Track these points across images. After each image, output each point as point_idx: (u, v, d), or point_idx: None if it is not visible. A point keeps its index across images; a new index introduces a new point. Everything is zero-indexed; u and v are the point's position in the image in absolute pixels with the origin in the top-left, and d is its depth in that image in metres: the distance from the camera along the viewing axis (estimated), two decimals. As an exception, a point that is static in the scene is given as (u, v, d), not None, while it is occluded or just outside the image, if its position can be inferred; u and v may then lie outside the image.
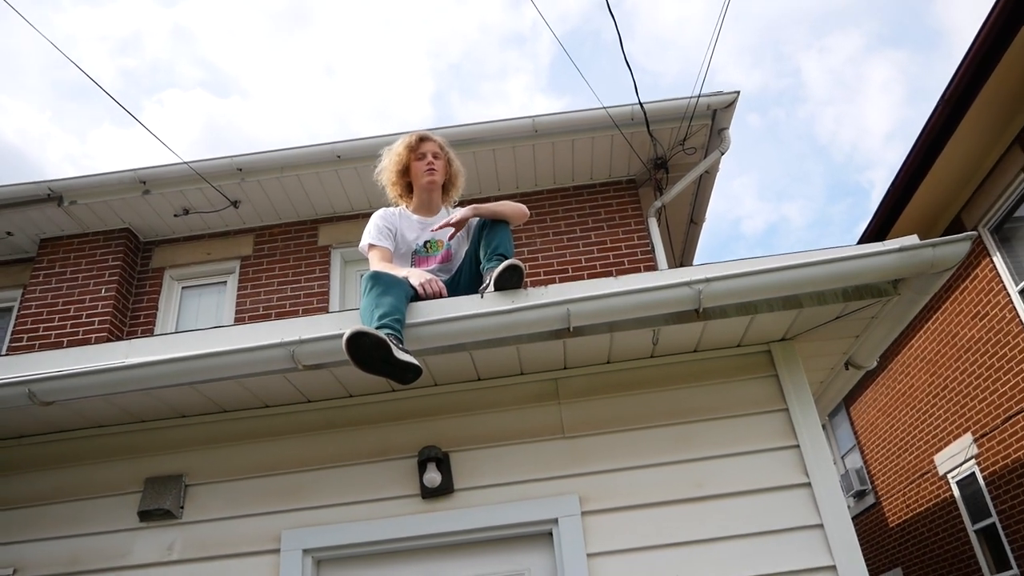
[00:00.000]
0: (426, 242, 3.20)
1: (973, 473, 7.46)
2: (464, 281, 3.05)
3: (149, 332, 6.06)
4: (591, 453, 2.84)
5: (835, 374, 3.45)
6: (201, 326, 6.19)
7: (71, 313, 5.91)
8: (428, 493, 2.80)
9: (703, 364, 3.00)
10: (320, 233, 6.53)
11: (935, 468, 8.25)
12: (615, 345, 2.88)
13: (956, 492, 7.90)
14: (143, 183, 6.02)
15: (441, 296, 2.77)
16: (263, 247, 6.47)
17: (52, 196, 5.97)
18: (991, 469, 7.13)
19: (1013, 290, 6.52)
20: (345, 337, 2.25)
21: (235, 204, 6.30)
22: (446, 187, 3.36)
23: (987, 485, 7.23)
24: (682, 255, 7.96)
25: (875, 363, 3.38)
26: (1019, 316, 6.45)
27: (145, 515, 2.88)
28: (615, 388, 2.97)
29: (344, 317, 2.75)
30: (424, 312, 2.64)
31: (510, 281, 2.66)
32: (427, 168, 3.23)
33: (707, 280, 2.56)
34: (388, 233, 3.15)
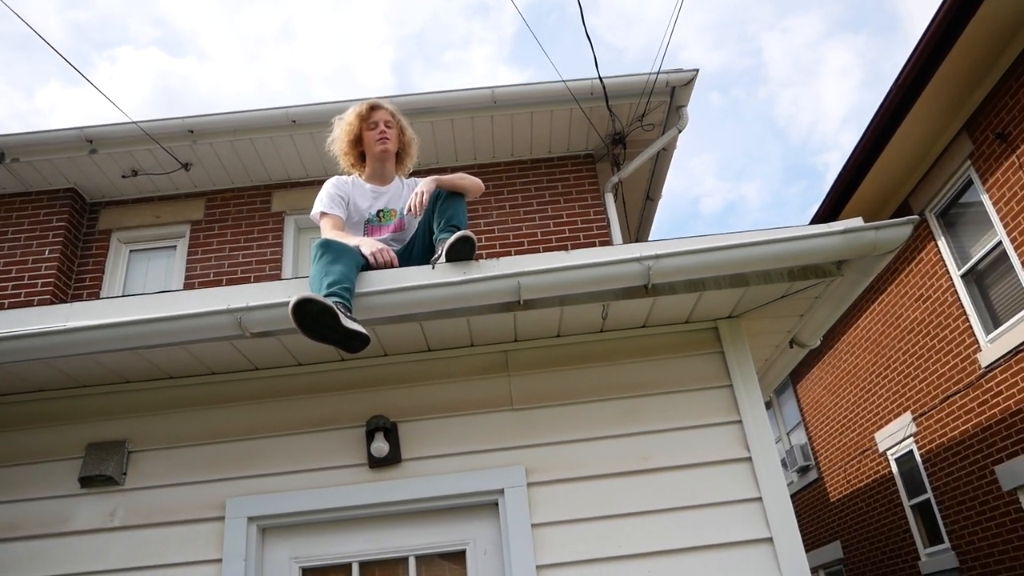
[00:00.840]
0: (379, 211, 3.17)
1: (911, 451, 7.75)
2: (417, 251, 3.04)
3: (95, 296, 5.90)
4: (539, 425, 2.88)
5: (780, 352, 3.54)
6: (149, 290, 6.05)
7: (12, 275, 5.73)
8: (376, 463, 2.80)
9: (651, 339, 3.04)
10: (274, 199, 6.41)
11: (876, 445, 8.55)
12: (565, 319, 2.90)
13: (894, 469, 8.21)
14: (90, 142, 5.83)
15: (392, 266, 2.75)
16: (215, 212, 6.33)
17: (-8, 153, 5.75)
18: (928, 447, 7.41)
19: (955, 274, 6.73)
20: (291, 304, 2.22)
21: (186, 167, 6.14)
22: (400, 156, 3.32)
23: (924, 462, 7.52)
24: (638, 232, 8.03)
25: (819, 342, 3.47)
26: (960, 299, 6.68)
27: (86, 481, 2.83)
28: (564, 361, 3.00)
29: (294, 284, 2.71)
30: (374, 281, 2.62)
31: (462, 252, 2.65)
32: (379, 137, 3.19)
33: (656, 256, 2.59)
34: (340, 201, 3.11)
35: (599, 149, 6.56)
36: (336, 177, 3.24)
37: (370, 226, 3.15)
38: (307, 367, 3.02)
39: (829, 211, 7.86)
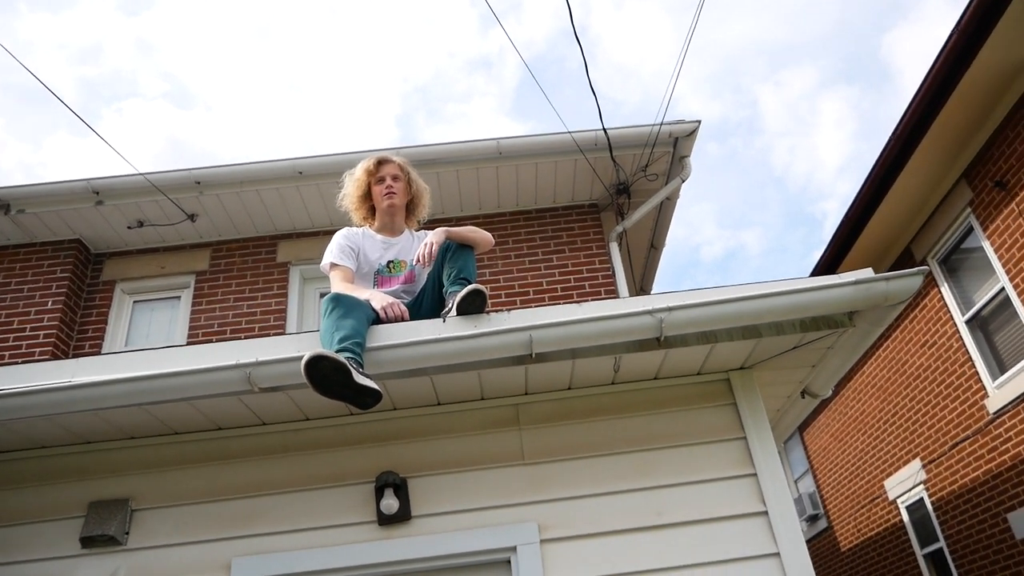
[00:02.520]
0: (389, 262, 3.18)
1: (922, 498, 7.63)
2: (427, 304, 3.03)
3: (98, 347, 5.87)
4: (551, 480, 2.83)
5: (791, 402, 3.50)
6: (153, 342, 6.03)
7: (15, 326, 5.70)
8: (385, 520, 2.74)
9: (663, 392, 3.02)
10: (279, 249, 6.42)
11: (885, 493, 8.42)
12: (576, 371, 2.88)
13: (905, 517, 8.07)
14: (96, 193, 5.86)
15: (403, 320, 2.74)
16: (220, 262, 6.34)
17: (-1, 204, 5.78)
18: (939, 495, 7.30)
19: (960, 320, 6.72)
20: (304, 360, 2.20)
21: (192, 218, 6.17)
22: (410, 207, 3.34)
23: (935, 510, 7.40)
24: (642, 280, 8.04)
25: (830, 392, 3.44)
26: (965, 345, 6.65)
27: (88, 541, 2.77)
28: (576, 415, 2.96)
29: (303, 339, 2.70)
30: (385, 336, 2.60)
31: (473, 305, 2.65)
32: (386, 191, 3.21)
33: (669, 309, 2.58)
34: (350, 252, 3.11)
35: (603, 199, 6.60)
36: (347, 228, 3.26)
37: (380, 277, 3.15)
38: (315, 422, 2.98)
39: (832, 259, 7.89)
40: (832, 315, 2.74)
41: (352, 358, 2.32)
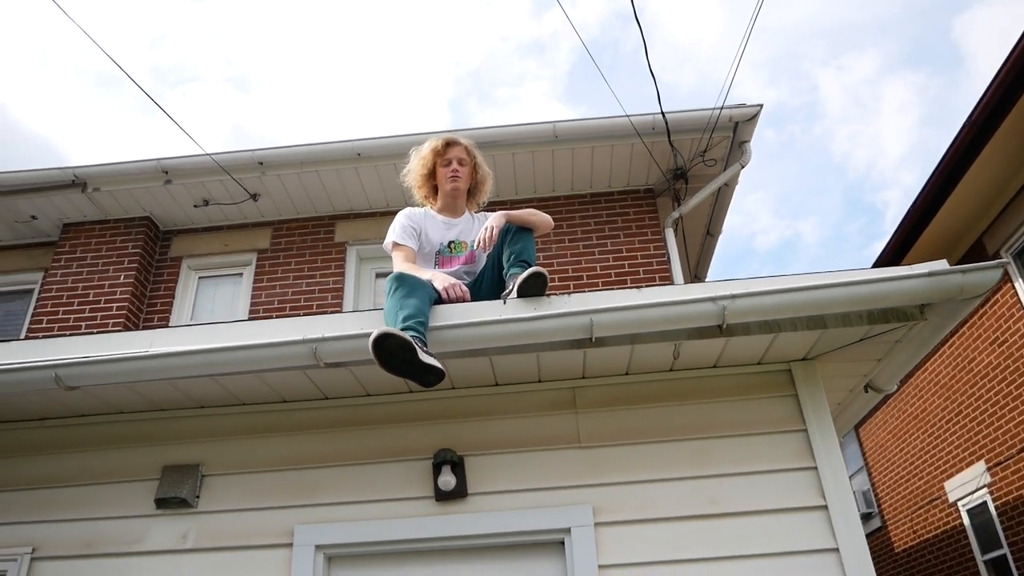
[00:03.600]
0: (450, 242, 3.21)
1: (985, 502, 7.39)
2: (486, 286, 3.06)
3: (165, 320, 6.09)
4: (606, 464, 2.84)
5: (854, 396, 3.43)
6: (217, 317, 6.23)
7: (90, 298, 5.96)
8: (442, 496, 2.80)
9: (722, 380, 2.99)
10: (337, 229, 6.55)
11: (945, 495, 8.18)
12: (635, 357, 2.88)
13: (966, 520, 7.83)
14: (165, 173, 6.07)
15: (464, 301, 2.78)
16: (280, 241, 6.49)
17: (76, 182, 6.03)
18: (1004, 499, 7.06)
19: (1032, 318, 6.46)
20: (372, 338, 2.25)
21: (254, 197, 6.33)
22: (472, 191, 3.36)
23: (999, 515, 7.16)
24: (696, 267, 7.94)
25: (895, 387, 3.36)
26: (1037, 344, 6.39)
27: (161, 503, 2.90)
28: (633, 400, 2.96)
29: (366, 317, 2.76)
30: (447, 316, 2.64)
31: (533, 288, 2.66)
32: (451, 174, 3.23)
33: (732, 296, 2.56)
34: (412, 232, 3.15)
35: (659, 184, 6.53)
36: (409, 208, 3.30)
37: (441, 257, 3.19)
38: (376, 398, 3.05)
39: (896, 249, 7.65)
40: (903, 307, 2.67)
41: (417, 336, 2.36)
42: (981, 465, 7.39)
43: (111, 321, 5.83)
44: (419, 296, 2.58)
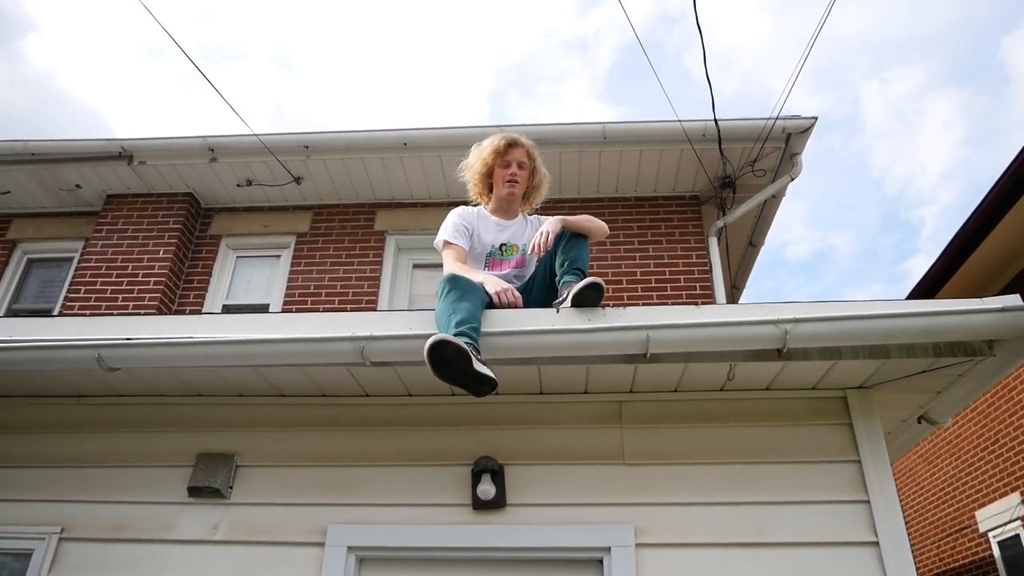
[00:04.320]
0: (502, 244, 3.14)
1: (1018, 535, 7.19)
2: (536, 291, 2.98)
3: (201, 297, 6.10)
4: (651, 483, 2.76)
5: (906, 427, 3.31)
6: (252, 298, 6.23)
7: (128, 271, 5.98)
8: (480, 504, 2.74)
9: (774, 404, 2.89)
10: (377, 218, 6.50)
11: (976, 524, 7.98)
12: (687, 375, 2.79)
13: (996, 552, 7.63)
14: (211, 150, 6.06)
15: (516, 307, 2.70)
16: (320, 226, 6.47)
17: (123, 155, 6.04)
18: (1037, 533, 6.86)
19: (1083, 352, 6.24)
20: (429, 343, 2.19)
21: (297, 180, 6.30)
22: (527, 194, 3.28)
23: (1031, 549, 6.96)
24: (735, 277, 7.80)
25: (949, 420, 3.24)
26: (1087, 379, 6.18)
27: (194, 491, 2.87)
28: (681, 418, 2.88)
29: (415, 316, 2.70)
30: (499, 322, 2.57)
31: (588, 299, 2.58)
32: (509, 178, 3.14)
33: (795, 321, 2.46)
34: (465, 232, 3.09)
35: (705, 191, 6.40)
36: (462, 207, 3.23)
37: (492, 259, 3.12)
38: (417, 399, 2.99)
39: (941, 273, 7.46)
40: (971, 342, 2.56)
41: (471, 344, 2.29)
42: (1016, 497, 7.19)
43: (148, 295, 5.84)
44: (472, 300, 2.51)
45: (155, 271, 5.98)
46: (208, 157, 6.07)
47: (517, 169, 3.16)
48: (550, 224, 2.92)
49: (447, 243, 3.05)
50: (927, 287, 7.74)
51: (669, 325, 2.48)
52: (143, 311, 5.73)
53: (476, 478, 2.75)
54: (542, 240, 2.86)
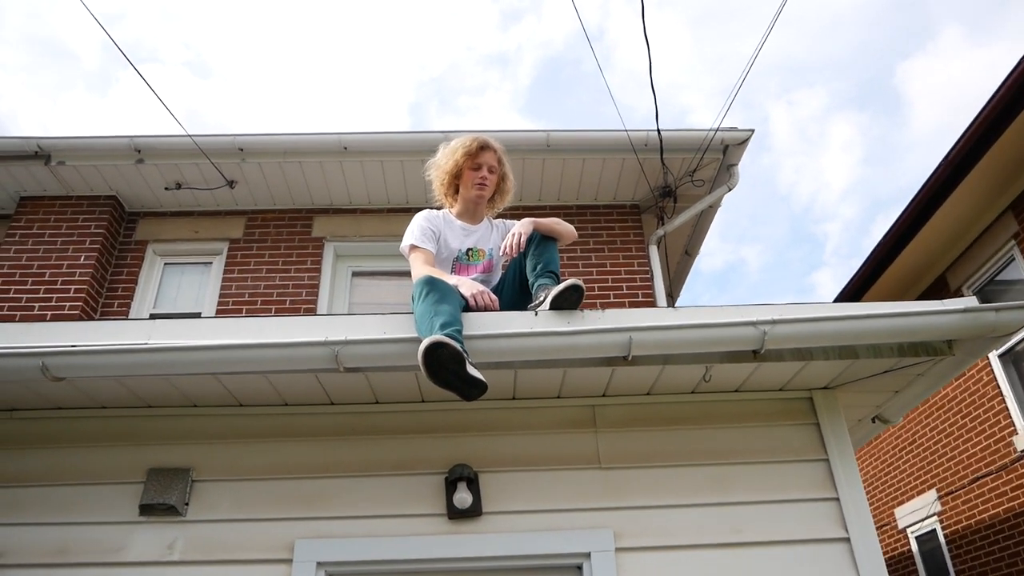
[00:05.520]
0: (468, 249, 3.08)
1: (934, 530, 7.58)
2: (507, 294, 2.93)
3: (126, 306, 5.75)
4: (627, 487, 2.74)
5: (860, 426, 3.42)
6: (181, 306, 5.91)
7: (46, 278, 5.58)
8: (456, 514, 2.65)
9: (744, 405, 2.93)
10: (315, 224, 6.30)
11: (895, 521, 8.37)
12: (662, 377, 2.79)
13: (915, 547, 8.02)
14: (138, 151, 5.73)
15: (491, 309, 2.64)
16: (254, 231, 6.21)
17: (40, 154, 5.64)
18: (953, 528, 7.25)
19: (993, 354, 6.65)
20: (424, 346, 2.10)
21: (231, 184, 6.04)
22: (493, 197, 3.23)
23: (948, 544, 7.35)
24: (671, 285, 7.95)
25: (900, 419, 3.37)
26: (996, 379, 6.59)
27: (147, 509, 2.67)
28: (655, 421, 2.88)
29: (388, 320, 2.59)
30: (477, 325, 2.51)
31: (568, 301, 2.55)
32: (479, 181, 3.08)
33: (773, 322, 2.49)
34: (432, 235, 3.01)
35: (645, 200, 6.50)
36: (427, 210, 3.15)
37: (459, 264, 3.05)
38: (385, 406, 2.89)
39: (863, 281, 7.84)
40: (933, 342, 2.66)
41: (461, 346, 2.22)
42: (932, 494, 7.58)
43: (68, 304, 5.47)
44: (451, 302, 2.44)
45: (76, 278, 5.60)
46: (134, 158, 5.74)
47: (487, 172, 3.10)
48: (522, 226, 2.88)
49: (414, 247, 2.96)
50: (849, 296, 8.11)
51: (651, 327, 2.48)
52: (63, 321, 5.35)
53: (451, 486, 2.67)
54: (515, 242, 2.81)
